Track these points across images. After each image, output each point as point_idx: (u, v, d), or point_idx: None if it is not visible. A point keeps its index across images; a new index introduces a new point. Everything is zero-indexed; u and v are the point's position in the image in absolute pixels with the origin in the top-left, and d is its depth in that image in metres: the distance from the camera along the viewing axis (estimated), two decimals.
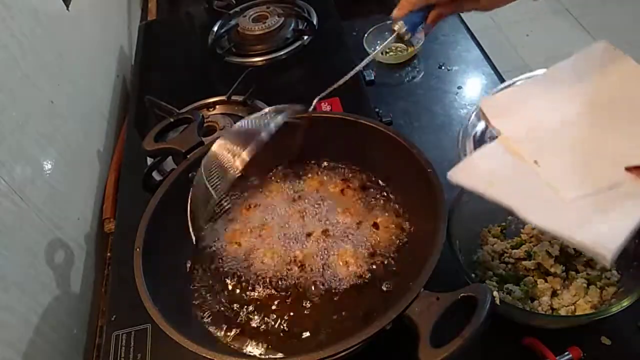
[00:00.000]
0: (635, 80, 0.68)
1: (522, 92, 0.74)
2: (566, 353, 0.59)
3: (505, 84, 0.83)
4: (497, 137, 0.67)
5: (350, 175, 0.74)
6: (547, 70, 0.73)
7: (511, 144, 0.66)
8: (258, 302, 0.63)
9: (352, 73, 0.70)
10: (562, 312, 0.63)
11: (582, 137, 0.65)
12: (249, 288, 0.64)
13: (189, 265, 0.68)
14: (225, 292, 0.65)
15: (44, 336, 0.70)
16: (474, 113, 0.84)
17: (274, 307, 0.62)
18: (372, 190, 0.72)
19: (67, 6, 1.02)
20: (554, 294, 0.65)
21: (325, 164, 0.76)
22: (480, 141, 0.78)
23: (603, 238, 0.52)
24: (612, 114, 0.66)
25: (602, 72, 0.70)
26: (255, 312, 0.62)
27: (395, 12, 0.67)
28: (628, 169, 0.58)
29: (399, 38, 0.68)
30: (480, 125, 0.82)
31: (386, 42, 0.71)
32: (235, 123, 0.92)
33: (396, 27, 0.67)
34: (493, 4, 0.67)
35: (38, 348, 0.68)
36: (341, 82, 0.71)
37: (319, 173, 0.75)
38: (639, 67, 0.68)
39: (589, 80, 0.70)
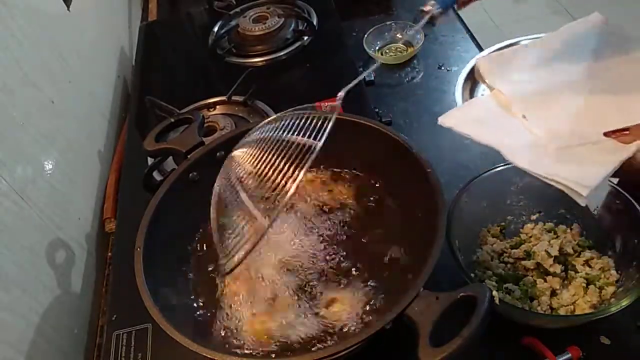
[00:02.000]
0: (631, 54, 0.74)
1: (518, 53, 0.80)
2: (565, 352, 0.59)
3: (500, 44, 0.88)
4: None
5: (349, 175, 0.74)
6: (544, 36, 0.83)
7: (502, 99, 0.72)
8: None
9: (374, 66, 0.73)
10: (562, 311, 0.63)
11: (570, 100, 0.71)
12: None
13: (189, 264, 0.68)
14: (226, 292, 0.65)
15: (45, 336, 0.70)
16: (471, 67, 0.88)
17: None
18: (371, 190, 0.72)
19: (68, 6, 1.02)
20: (553, 293, 0.65)
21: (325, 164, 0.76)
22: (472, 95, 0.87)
23: (581, 178, 0.58)
24: (604, 82, 0.72)
25: (600, 42, 0.76)
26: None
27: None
28: (606, 134, 0.64)
29: (431, 18, 0.69)
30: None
31: (420, 23, 0.71)
32: (234, 123, 0.94)
33: (427, 8, 0.68)
34: None
35: (39, 348, 0.68)
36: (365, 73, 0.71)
37: (317, 172, 0.76)
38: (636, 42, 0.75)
39: (585, 48, 0.76)
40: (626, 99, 0.69)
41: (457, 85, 0.88)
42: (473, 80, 0.88)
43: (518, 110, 0.70)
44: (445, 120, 0.67)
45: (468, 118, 0.69)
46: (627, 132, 0.63)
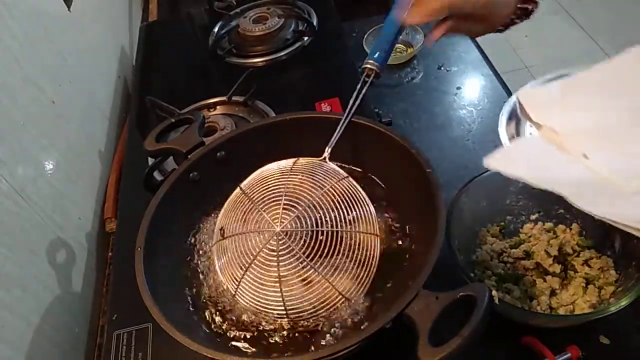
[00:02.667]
0: None
1: (562, 88, 0.69)
2: (565, 352, 0.59)
3: (537, 81, 0.76)
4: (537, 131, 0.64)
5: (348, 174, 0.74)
6: (585, 71, 0.69)
7: (554, 137, 0.62)
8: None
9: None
10: (561, 311, 0.63)
11: (631, 132, 0.61)
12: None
13: (189, 264, 0.68)
14: (226, 292, 0.65)
15: (45, 335, 0.70)
16: (512, 103, 0.78)
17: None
18: (370, 190, 0.72)
19: (69, 7, 1.02)
20: (553, 293, 0.65)
21: None
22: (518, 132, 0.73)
23: None
24: None
25: None
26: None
27: (408, 19, 0.62)
28: None
29: (375, 76, 0.64)
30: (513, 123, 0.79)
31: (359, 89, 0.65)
32: (235, 124, 0.94)
33: (368, 65, 0.63)
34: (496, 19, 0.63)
35: (39, 347, 0.68)
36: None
37: None
38: None
39: (633, 81, 0.66)
40: None
41: (499, 123, 0.78)
42: (517, 117, 0.78)
43: (576, 149, 0.60)
44: (492, 162, 0.58)
45: (518, 159, 0.60)
46: None
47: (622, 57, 0.69)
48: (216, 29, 1.20)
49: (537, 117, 0.64)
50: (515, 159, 0.59)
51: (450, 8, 0.61)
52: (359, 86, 0.63)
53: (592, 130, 0.62)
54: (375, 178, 0.73)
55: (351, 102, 0.63)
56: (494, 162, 0.58)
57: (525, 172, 0.56)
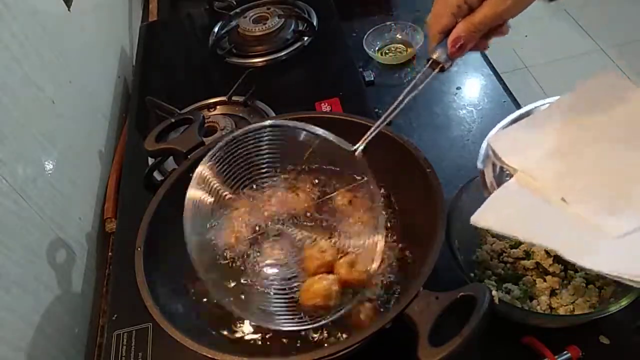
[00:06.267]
0: None
1: (531, 125, 0.68)
2: (565, 352, 0.59)
3: (508, 119, 0.73)
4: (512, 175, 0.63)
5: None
6: (553, 103, 0.69)
7: (531, 182, 0.62)
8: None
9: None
10: (561, 311, 0.63)
11: (610, 169, 0.61)
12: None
13: (189, 264, 0.68)
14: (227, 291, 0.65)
15: (46, 335, 0.70)
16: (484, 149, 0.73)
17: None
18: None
19: (69, 7, 1.02)
20: (553, 293, 0.65)
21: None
22: (500, 177, 0.72)
23: None
24: (634, 142, 0.62)
25: (617, 101, 0.65)
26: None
27: (431, 44, 0.61)
28: None
29: (440, 69, 0.61)
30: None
31: (420, 75, 0.62)
32: (235, 123, 0.94)
33: (435, 56, 0.60)
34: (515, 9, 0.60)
35: (40, 347, 0.68)
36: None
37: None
38: None
39: (603, 109, 0.65)
40: None
41: (485, 174, 0.72)
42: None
43: (554, 194, 0.59)
44: (479, 220, 0.58)
45: (504, 215, 0.59)
46: None
47: (581, 88, 0.68)
48: (216, 29, 1.20)
49: (510, 162, 0.64)
50: (502, 217, 0.59)
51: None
52: (418, 77, 0.61)
53: (564, 170, 0.62)
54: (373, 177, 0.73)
55: (409, 90, 0.61)
56: (483, 220, 0.58)
57: (516, 229, 0.56)
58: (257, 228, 0.66)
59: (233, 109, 0.99)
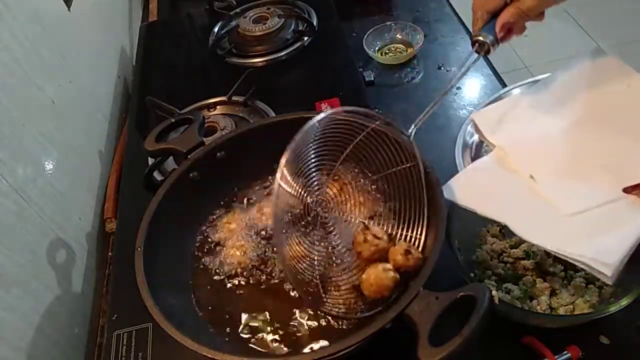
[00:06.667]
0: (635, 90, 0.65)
1: (515, 103, 0.71)
2: (565, 352, 0.59)
3: (497, 94, 0.78)
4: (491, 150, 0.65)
5: (349, 175, 0.74)
6: (542, 80, 0.70)
7: (506, 158, 0.65)
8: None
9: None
10: (561, 311, 0.63)
11: (580, 150, 0.63)
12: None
13: (190, 264, 0.68)
14: (227, 292, 0.65)
15: (46, 335, 0.70)
16: (469, 124, 0.78)
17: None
18: (370, 189, 0.72)
19: (69, 7, 1.02)
20: (553, 293, 0.65)
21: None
22: (477, 153, 0.73)
23: (601, 255, 0.52)
24: (614, 128, 0.64)
25: (605, 83, 0.67)
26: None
27: (474, 28, 0.63)
28: (625, 190, 0.57)
29: (485, 52, 0.63)
30: (476, 137, 0.78)
31: (468, 62, 0.65)
32: (235, 123, 0.94)
33: (482, 38, 0.62)
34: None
35: (40, 347, 0.68)
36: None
37: None
38: None
39: (589, 91, 0.67)
40: None
41: (456, 147, 0.77)
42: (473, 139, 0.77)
43: (524, 171, 0.62)
44: (447, 193, 0.60)
45: (471, 189, 0.62)
46: None
47: (569, 69, 0.70)
48: (216, 29, 1.20)
49: (489, 136, 0.67)
50: (469, 190, 0.62)
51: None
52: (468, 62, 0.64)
53: (538, 149, 0.64)
54: (374, 177, 0.73)
55: (459, 74, 0.65)
56: (449, 193, 0.61)
57: (477, 204, 0.59)
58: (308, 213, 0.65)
59: (233, 109, 0.99)
